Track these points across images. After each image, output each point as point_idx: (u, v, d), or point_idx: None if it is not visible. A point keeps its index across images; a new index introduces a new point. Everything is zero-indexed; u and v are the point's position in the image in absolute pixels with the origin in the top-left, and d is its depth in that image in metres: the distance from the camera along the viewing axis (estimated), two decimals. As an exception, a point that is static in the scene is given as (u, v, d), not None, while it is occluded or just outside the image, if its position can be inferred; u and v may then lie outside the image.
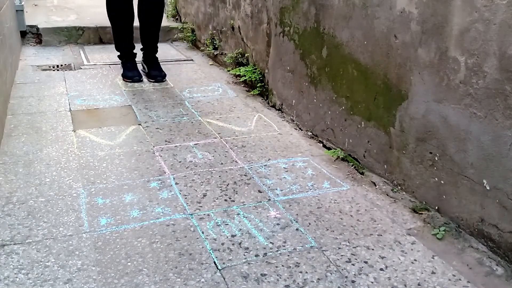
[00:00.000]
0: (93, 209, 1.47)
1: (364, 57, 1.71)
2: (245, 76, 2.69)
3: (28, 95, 2.51)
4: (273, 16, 2.38)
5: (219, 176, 1.71)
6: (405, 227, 1.44)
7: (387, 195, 1.62)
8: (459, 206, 1.38)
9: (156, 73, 2.83)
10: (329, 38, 1.92)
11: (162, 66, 2.93)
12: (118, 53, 2.91)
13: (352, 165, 1.82)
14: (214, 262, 1.24)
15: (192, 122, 2.22)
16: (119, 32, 2.84)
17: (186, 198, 1.56)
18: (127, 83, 2.79)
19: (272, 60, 2.45)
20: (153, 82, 2.79)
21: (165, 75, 2.85)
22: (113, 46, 2.95)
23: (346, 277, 1.20)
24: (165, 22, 4.21)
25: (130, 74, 2.79)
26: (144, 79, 2.84)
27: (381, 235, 1.39)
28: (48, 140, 1.96)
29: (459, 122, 1.34)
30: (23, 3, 3.58)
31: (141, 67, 2.93)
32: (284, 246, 1.32)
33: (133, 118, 2.23)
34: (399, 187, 1.62)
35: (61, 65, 3.15)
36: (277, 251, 1.30)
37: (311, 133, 2.13)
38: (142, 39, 2.89)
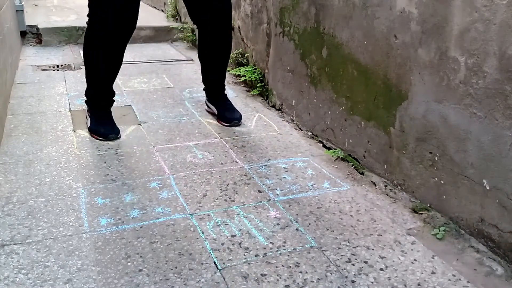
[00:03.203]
0: (93, 209, 1.47)
1: (364, 57, 1.71)
2: (245, 76, 2.69)
3: (28, 95, 2.51)
4: (273, 16, 2.38)
5: (219, 176, 1.71)
6: (405, 227, 1.44)
7: (387, 195, 1.62)
8: (459, 206, 1.38)
9: (232, 115, 2.20)
10: (329, 38, 1.92)
11: (162, 66, 2.89)
12: (86, 99, 2.09)
13: (352, 165, 1.82)
14: (214, 262, 1.24)
15: (192, 122, 2.22)
16: (97, 75, 2.01)
17: (186, 198, 1.56)
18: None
19: (272, 60, 2.45)
20: (227, 126, 2.18)
21: (241, 116, 2.22)
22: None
23: (346, 277, 1.20)
24: (165, 22, 4.22)
25: (102, 130, 1.98)
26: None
27: (381, 235, 1.39)
28: (48, 140, 1.96)
29: (459, 122, 1.34)
30: (23, 3, 3.59)
31: (206, 106, 2.36)
32: (284, 246, 1.32)
33: (133, 118, 2.23)
34: (399, 187, 1.62)
35: (61, 65, 3.15)
36: (277, 251, 1.30)
37: (311, 133, 2.13)
38: (206, 78, 2.30)
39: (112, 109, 2.10)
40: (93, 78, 2.02)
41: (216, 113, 2.26)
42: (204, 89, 2.35)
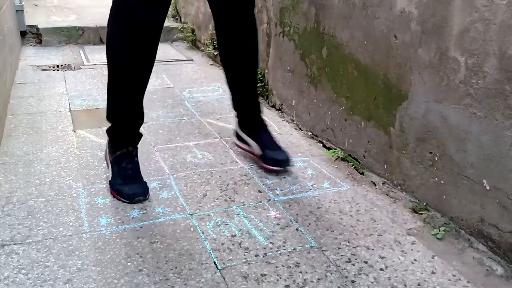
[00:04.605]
0: (93, 209, 1.47)
1: (364, 57, 1.71)
2: (245, 76, 2.69)
3: (28, 95, 2.51)
4: (273, 16, 2.38)
5: (219, 176, 1.71)
6: (405, 227, 1.44)
7: (387, 195, 1.62)
8: (459, 206, 1.38)
9: (281, 156, 1.72)
10: (329, 38, 1.92)
11: (162, 66, 2.82)
12: (109, 126, 1.63)
13: (352, 165, 1.82)
14: (214, 262, 1.24)
15: (192, 122, 2.22)
16: (127, 82, 1.54)
17: (186, 198, 1.56)
18: None
19: (272, 60, 2.45)
20: (275, 169, 1.72)
21: (289, 157, 1.73)
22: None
23: (346, 277, 1.20)
24: (165, 22, 4.22)
25: (127, 189, 1.52)
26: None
27: (381, 235, 1.39)
28: (48, 140, 1.96)
29: (459, 122, 1.34)
30: (23, 3, 3.59)
31: (236, 139, 1.89)
32: (284, 246, 1.32)
33: (133, 118, 2.23)
34: (399, 187, 1.62)
35: (61, 65, 3.15)
36: (277, 251, 1.30)
37: (311, 133, 2.13)
38: (238, 102, 1.82)
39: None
40: (123, 87, 1.54)
41: (255, 151, 1.77)
42: (237, 116, 1.85)
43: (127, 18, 1.43)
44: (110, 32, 1.49)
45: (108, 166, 1.66)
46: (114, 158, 1.61)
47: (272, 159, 1.71)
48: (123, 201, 1.51)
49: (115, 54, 1.50)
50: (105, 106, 1.61)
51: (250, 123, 1.81)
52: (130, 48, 1.47)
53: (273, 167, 1.71)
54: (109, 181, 1.59)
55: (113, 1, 1.46)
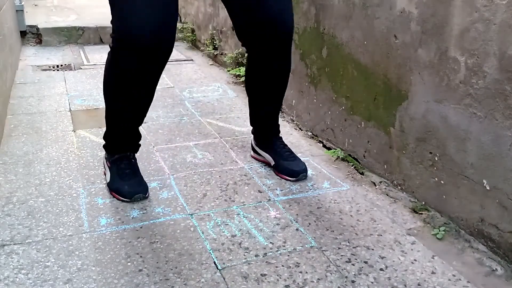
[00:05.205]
0: (93, 209, 1.47)
1: (364, 57, 1.71)
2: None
3: (28, 95, 2.51)
4: (273, 16, 2.38)
5: (219, 176, 1.71)
6: (405, 227, 1.44)
7: (387, 195, 1.62)
8: (459, 206, 1.38)
9: (297, 167, 1.69)
10: (329, 38, 1.92)
11: None
12: (103, 143, 1.63)
13: (352, 165, 1.82)
14: (214, 262, 1.24)
15: (192, 122, 2.22)
16: (122, 112, 1.52)
17: (186, 198, 1.56)
18: None
19: (272, 60, 2.44)
20: (291, 180, 1.69)
21: (306, 166, 1.72)
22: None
23: (346, 277, 1.20)
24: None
25: (126, 187, 1.51)
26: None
27: (381, 235, 1.39)
28: (48, 140, 1.96)
29: (459, 122, 1.34)
30: (23, 3, 3.59)
31: (252, 152, 1.86)
32: (284, 246, 1.32)
33: (133, 118, 2.23)
34: (399, 187, 1.62)
35: (61, 65, 3.15)
36: (277, 251, 1.30)
37: (311, 133, 2.13)
38: (256, 113, 1.78)
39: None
40: (117, 116, 1.53)
41: (272, 163, 1.75)
42: (252, 132, 1.84)
43: (129, 54, 1.36)
44: (109, 59, 1.44)
45: (105, 168, 1.64)
46: (112, 162, 1.59)
47: (287, 169, 1.69)
48: (123, 201, 1.50)
49: (111, 82, 1.48)
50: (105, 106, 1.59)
51: (268, 139, 1.78)
52: (126, 80, 1.43)
53: (289, 178, 1.69)
54: (107, 183, 1.58)
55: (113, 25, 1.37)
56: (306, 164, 1.72)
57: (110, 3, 1.35)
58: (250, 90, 1.75)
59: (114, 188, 1.54)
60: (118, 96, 1.48)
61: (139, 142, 1.65)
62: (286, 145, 1.77)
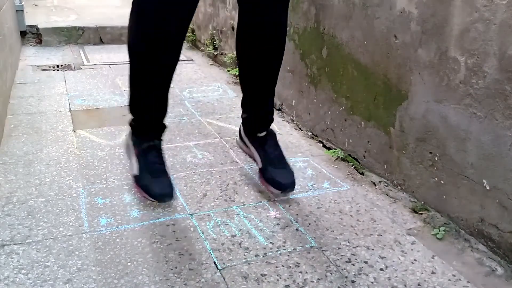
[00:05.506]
0: (93, 209, 1.47)
1: (364, 57, 1.71)
2: (245, 76, 2.68)
3: (28, 95, 2.51)
4: (273, 16, 2.38)
5: (219, 176, 1.71)
6: (405, 227, 1.44)
7: (387, 195, 1.62)
8: (459, 206, 1.38)
9: (286, 179, 1.53)
10: (329, 38, 1.92)
11: None
12: (130, 119, 1.50)
13: (352, 165, 1.82)
14: (214, 262, 1.24)
15: (192, 122, 2.22)
16: (147, 80, 1.39)
17: (186, 198, 1.56)
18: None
19: (272, 60, 2.44)
20: (274, 194, 1.56)
21: (295, 180, 1.54)
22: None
23: (346, 277, 1.20)
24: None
25: (157, 189, 1.39)
26: None
27: (381, 235, 1.39)
28: (48, 140, 1.96)
29: (459, 122, 1.34)
30: (23, 3, 3.59)
31: (239, 140, 1.70)
32: (284, 246, 1.32)
33: (133, 118, 2.23)
34: (399, 187, 1.62)
35: (61, 65, 3.15)
36: (277, 251, 1.30)
37: (311, 133, 2.13)
38: (250, 99, 1.58)
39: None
40: (143, 77, 1.39)
41: (259, 165, 1.58)
42: (243, 117, 1.63)
43: (152, 22, 1.27)
44: (131, 34, 1.35)
45: (130, 159, 1.49)
46: (141, 151, 1.45)
47: (274, 181, 1.52)
48: (149, 200, 1.42)
49: (137, 56, 1.36)
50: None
51: (256, 126, 1.59)
52: (154, 52, 1.32)
53: (274, 189, 1.53)
54: (135, 175, 1.43)
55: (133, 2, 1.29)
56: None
57: None
58: (242, 57, 1.53)
59: (142, 185, 1.40)
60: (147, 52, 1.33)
61: (164, 123, 1.51)
62: (278, 147, 1.59)
